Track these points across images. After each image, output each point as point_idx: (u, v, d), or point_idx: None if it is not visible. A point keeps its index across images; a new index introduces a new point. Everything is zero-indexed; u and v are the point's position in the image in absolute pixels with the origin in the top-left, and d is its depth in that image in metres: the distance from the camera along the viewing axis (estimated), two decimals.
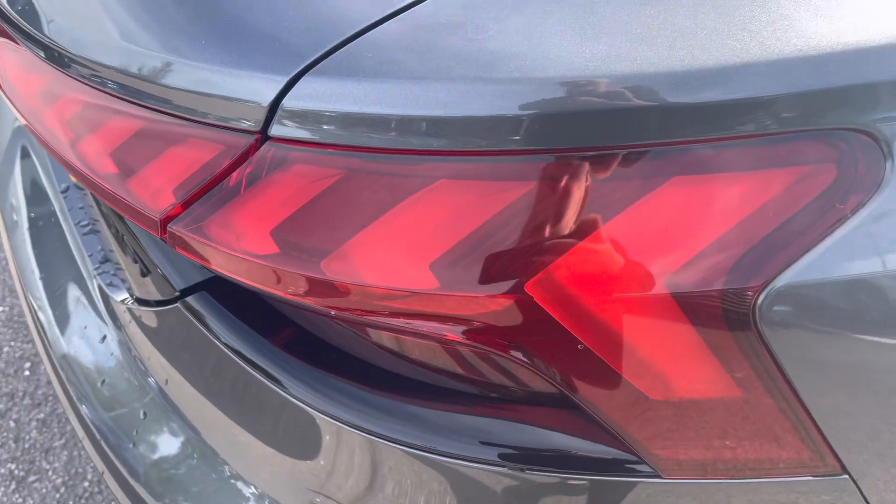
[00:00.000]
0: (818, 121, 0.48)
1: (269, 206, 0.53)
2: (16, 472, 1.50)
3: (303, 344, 0.72)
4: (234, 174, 0.54)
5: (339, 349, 0.72)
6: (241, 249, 0.54)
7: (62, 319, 0.97)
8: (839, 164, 0.49)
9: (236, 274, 0.57)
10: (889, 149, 0.49)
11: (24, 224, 1.08)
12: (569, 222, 0.49)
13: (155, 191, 0.58)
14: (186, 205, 0.56)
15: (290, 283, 0.54)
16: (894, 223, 0.50)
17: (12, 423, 1.59)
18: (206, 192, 0.55)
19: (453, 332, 0.55)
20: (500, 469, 0.61)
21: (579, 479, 0.61)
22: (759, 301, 0.50)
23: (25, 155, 1.16)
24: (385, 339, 0.67)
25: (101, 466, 0.89)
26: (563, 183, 0.49)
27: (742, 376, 0.53)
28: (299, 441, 0.71)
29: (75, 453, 1.53)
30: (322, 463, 0.70)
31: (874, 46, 0.49)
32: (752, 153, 0.48)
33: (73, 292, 0.98)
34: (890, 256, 0.51)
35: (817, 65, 0.48)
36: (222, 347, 0.72)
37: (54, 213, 1.05)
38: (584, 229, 0.49)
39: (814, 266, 0.49)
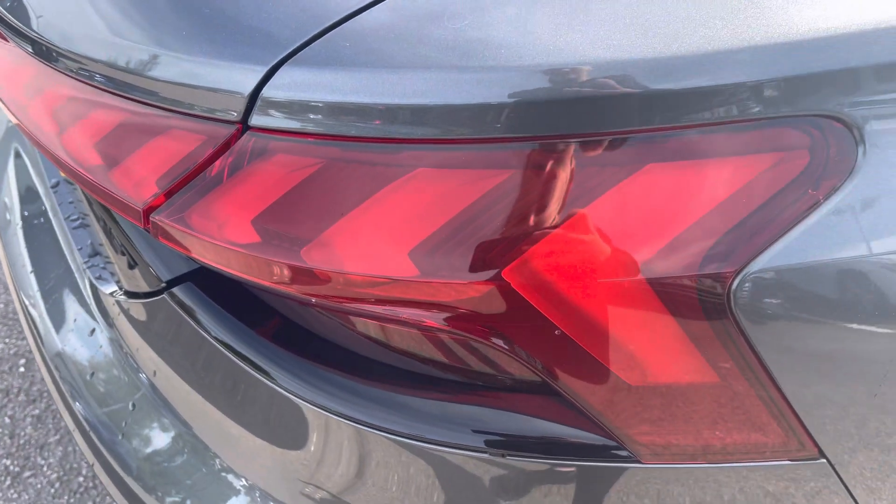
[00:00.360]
0: (790, 107, 0.49)
1: (251, 195, 0.54)
2: (11, 467, 1.50)
3: (290, 334, 0.72)
4: (216, 164, 0.55)
5: (327, 340, 0.72)
6: (222, 239, 0.55)
7: (53, 314, 0.97)
8: (812, 151, 0.49)
9: (218, 263, 0.57)
10: (861, 135, 0.49)
11: (17, 221, 1.08)
12: (544, 209, 0.50)
13: (138, 181, 0.58)
14: (169, 195, 0.57)
15: (272, 272, 0.55)
16: (867, 208, 0.50)
17: (7, 420, 1.59)
18: (189, 182, 0.56)
19: (434, 320, 0.55)
20: (484, 455, 0.62)
21: (563, 465, 0.62)
22: (734, 286, 0.50)
23: (18, 156, 1.16)
24: (371, 329, 0.67)
25: (91, 459, 0.89)
26: (538, 171, 0.49)
27: (720, 362, 0.54)
28: (288, 432, 0.71)
29: (70, 449, 1.53)
30: (311, 453, 0.71)
31: (845, 33, 0.49)
32: (723, 140, 0.49)
33: (64, 287, 0.98)
34: (863, 242, 0.51)
35: (789, 52, 0.48)
36: (209, 339, 0.72)
37: (45, 210, 1.06)
38: (560, 216, 0.50)
39: (787, 252, 0.50)
